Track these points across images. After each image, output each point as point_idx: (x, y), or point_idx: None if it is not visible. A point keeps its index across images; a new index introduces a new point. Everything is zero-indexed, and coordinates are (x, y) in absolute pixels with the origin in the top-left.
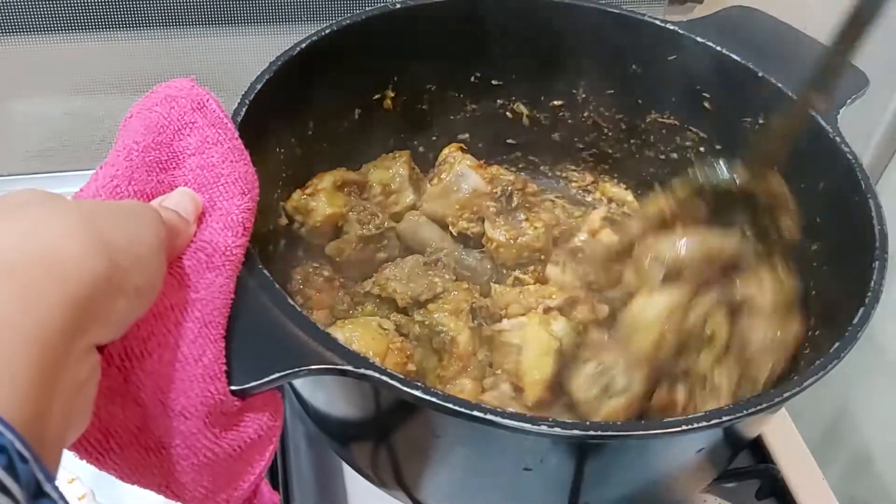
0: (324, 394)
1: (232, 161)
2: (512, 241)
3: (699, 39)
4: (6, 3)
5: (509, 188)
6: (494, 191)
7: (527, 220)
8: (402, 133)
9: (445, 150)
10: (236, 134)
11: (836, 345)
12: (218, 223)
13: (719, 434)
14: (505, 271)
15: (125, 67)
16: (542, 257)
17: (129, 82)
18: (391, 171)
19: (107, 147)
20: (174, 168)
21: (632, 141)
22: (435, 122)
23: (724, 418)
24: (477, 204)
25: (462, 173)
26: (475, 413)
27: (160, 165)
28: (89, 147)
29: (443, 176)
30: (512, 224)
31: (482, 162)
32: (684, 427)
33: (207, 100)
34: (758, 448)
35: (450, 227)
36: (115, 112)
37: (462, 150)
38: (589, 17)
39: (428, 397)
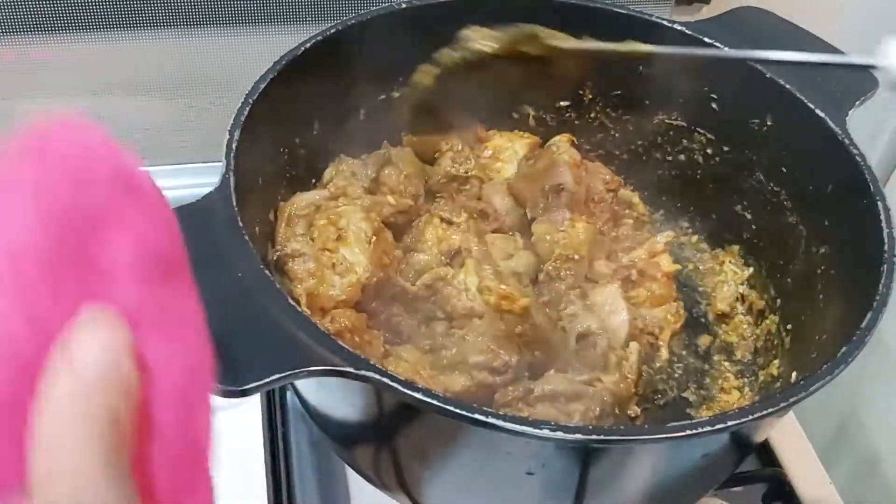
0: (326, 395)
1: (180, 291)
2: (548, 238)
3: (707, 40)
4: (12, 2)
5: (562, 185)
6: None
7: (570, 220)
8: (409, 135)
9: (556, 137)
10: (180, 233)
11: (844, 349)
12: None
13: (725, 438)
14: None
15: (130, 67)
16: (577, 257)
17: (133, 82)
18: (512, 143)
19: None
20: (97, 288)
21: (639, 142)
22: (440, 123)
23: (730, 423)
24: None
25: (557, 165)
26: (476, 416)
27: (77, 288)
28: None
29: (539, 162)
30: (553, 221)
31: (582, 160)
32: (689, 431)
33: (135, 172)
34: (765, 452)
35: (527, 212)
36: (121, 112)
37: (572, 142)
38: (595, 18)
39: (429, 399)
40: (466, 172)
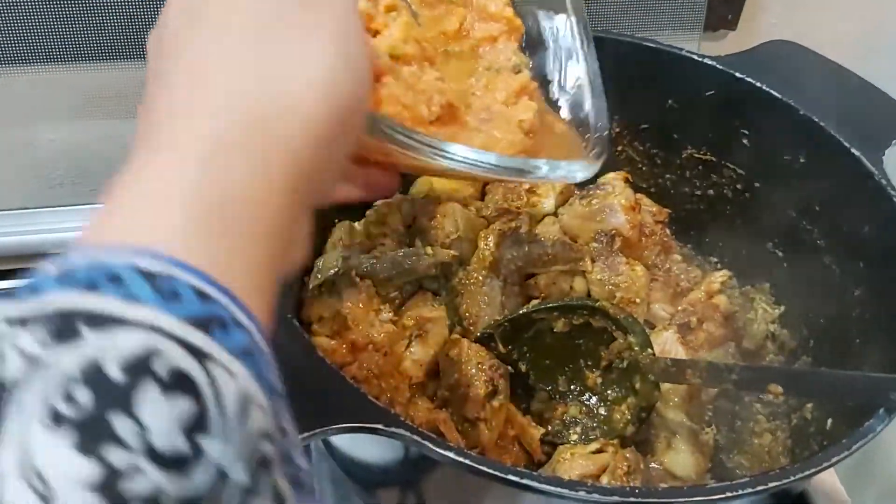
0: (350, 439)
1: None
2: (607, 286)
3: (738, 75)
4: (38, 32)
5: (616, 231)
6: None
7: (627, 263)
8: None
9: (611, 175)
10: None
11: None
12: None
13: (765, 496)
14: None
15: None
16: (638, 300)
17: None
18: None
19: None
20: None
21: (667, 176)
22: None
23: (772, 484)
24: None
25: (612, 209)
26: (511, 477)
27: None
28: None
29: (594, 202)
30: (610, 265)
31: (637, 201)
32: (729, 494)
33: None
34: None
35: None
36: None
37: (627, 180)
38: (624, 51)
39: (462, 459)
40: (518, 208)
